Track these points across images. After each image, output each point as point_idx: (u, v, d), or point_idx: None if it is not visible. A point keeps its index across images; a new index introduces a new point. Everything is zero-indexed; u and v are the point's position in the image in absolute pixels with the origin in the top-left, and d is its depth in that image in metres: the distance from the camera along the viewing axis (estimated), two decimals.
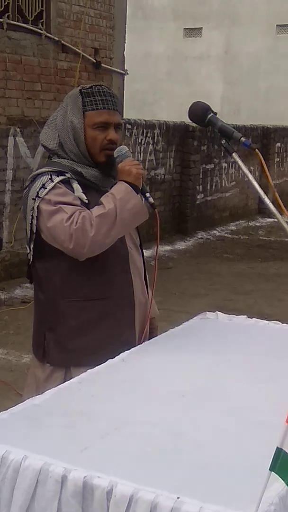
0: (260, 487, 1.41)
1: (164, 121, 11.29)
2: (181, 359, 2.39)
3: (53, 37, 8.69)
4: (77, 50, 9.01)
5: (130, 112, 21.19)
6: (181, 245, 10.78)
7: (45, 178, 2.47)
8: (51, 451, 1.68)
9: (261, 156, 2.34)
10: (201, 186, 12.06)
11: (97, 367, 2.29)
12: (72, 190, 2.48)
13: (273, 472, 1.39)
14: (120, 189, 2.47)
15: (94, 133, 2.52)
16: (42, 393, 2.11)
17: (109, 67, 9.74)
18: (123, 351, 2.41)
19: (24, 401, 2.06)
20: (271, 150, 14.56)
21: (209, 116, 2.38)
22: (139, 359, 2.38)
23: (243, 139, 2.34)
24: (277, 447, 1.36)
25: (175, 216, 11.38)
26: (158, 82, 25.10)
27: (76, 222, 2.39)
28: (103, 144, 2.53)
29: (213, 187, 12.55)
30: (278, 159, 15.08)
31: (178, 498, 1.47)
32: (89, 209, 2.45)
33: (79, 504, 1.56)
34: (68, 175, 2.49)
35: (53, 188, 2.45)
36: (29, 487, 1.61)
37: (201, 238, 11.53)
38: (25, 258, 2.66)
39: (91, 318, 2.54)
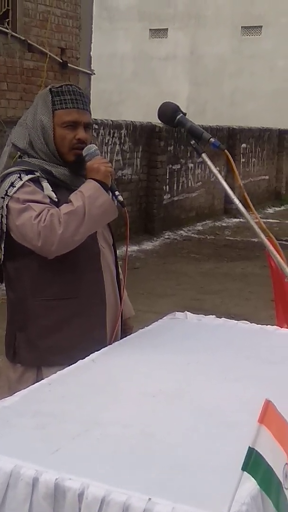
0: (232, 487, 1.42)
1: (131, 121, 11.29)
2: (151, 359, 2.38)
3: (19, 36, 8.64)
4: (44, 49, 8.97)
5: (96, 112, 21.15)
6: (148, 245, 10.80)
7: (14, 177, 2.46)
8: (22, 453, 1.66)
9: (230, 157, 2.36)
10: (167, 187, 12.09)
11: (67, 368, 2.28)
12: (42, 188, 2.47)
13: (245, 472, 1.40)
14: (89, 187, 2.47)
15: (63, 132, 2.52)
16: (13, 394, 2.09)
17: (75, 67, 9.72)
18: (95, 350, 2.40)
19: None
20: (237, 151, 14.65)
21: (178, 117, 2.39)
22: (109, 359, 2.37)
23: (212, 139, 2.35)
24: (249, 447, 1.37)
25: (142, 216, 11.39)
26: (124, 82, 25.11)
27: (44, 220, 2.38)
28: (72, 143, 2.53)
29: (180, 187, 12.59)
30: (243, 160, 15.18)
31: (149, 499, 1.47)
32: (56, 207, 2.44)
33: (50, 506, 1.55)
34: (37, 173, 2.48)
35: (21, 186, 2.44)
36: (0, 490, 1.59)
37: (168, 238, 11.55)
38: None
39: (61, 317, 2.53)
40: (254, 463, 1.36)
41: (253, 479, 1.45)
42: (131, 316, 2.86)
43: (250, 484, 1.52)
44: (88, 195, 2.44)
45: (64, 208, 2.43)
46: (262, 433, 1.35)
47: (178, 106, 2.42)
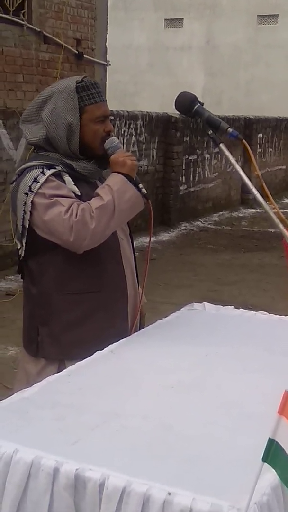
0: (252, 478, 1.41)
1: (147, 112, 11.26)
2: (170, 351, 2.38)
3: (34, 28, 8.62)
4: (59, 41, 8.95)
5: (112, 103, 21.09)
6: (164, 236, 10.78)
7: (36, 171, 2.44)
8: (42, 444, 1.67)
9: (248, 147, 2.34)
10: (184, 177, 12.05)
11: (85, 359, 2.28)
12: (64, 183, 2.47)
13: (265, 463, 1.39)
14: (116, 181, 2.47)
15: (95, 127, 2.51)
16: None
17: (91, 58, 9.69)
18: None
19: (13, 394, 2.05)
20: (253, 141, 14.57)
21: (196, 107, 2.37)
22: (127, 350, 2.37)
23: (230, 129, 2.33)
24: (269, 438, 1.37)
25: (158, 207, 11.36)
26: (140, 73, 25.04)
27: (76, 214, 2.37)
28: (103, 137, 2.53)
29: (196, 178, 12.55)
30: (260, 150, 15.10)
31: (169, 494, 1.46)
32: (82, 201, 2.44)
33: (71, 497, 1.56)
34: (58, 168, 2.47)
35: (45, 181, 2.43)
36: (21, 480, 1.60)
37: (185, 229, 11.53)
38: (8, 251, 2.65)
39: (85, 311, 2.53)
40: (274, 454, 1.36)
41: (273, 470, 1.45)
42: (143, 303, 2.86)
43: (270, 475, 1.52)
44: (116, 189, 2.44)
45: (94, 202, 2.43)
46: (282, 424, 1.34)
47: (195, 96, 2.40)
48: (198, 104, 2.37)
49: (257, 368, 2.25)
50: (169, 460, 1.63)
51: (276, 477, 1.54)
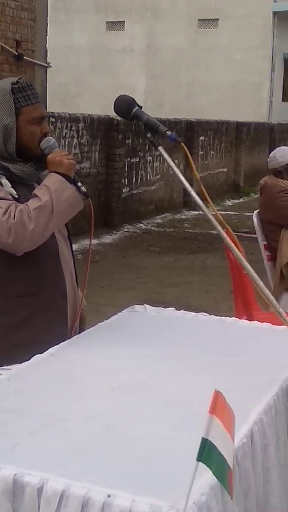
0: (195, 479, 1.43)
1: (89, 114, 11.23)
2: (111, 353, 2.38)
3: None
4: None
5: (54, 105, 20.99)
6: (107, 239, 10.77)
7: None
8: None
9: (187, 150, 2.36)
10: (126, 180, 12.07)
11: (25, 362, 2.27)
12: (1, 185, 2.44)
13: (200, 462, 1.41)
14: (53, 181, 2.45)
15: (32, 128, 2.50)
16: None
17: (31, 59, 9.62)
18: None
19: None
20: (195, 143, 14.69)
21: (134, 110, 2.38)
22: (68, 353, 2.36)
23: (168, 132, 2.35)
24: (202, 437, 1.38)
25: (101, 210, 11.35)
26: (81, 75, 24.99)
27: (14, 216, 2.36)
28: (39, 138, 2.51)
29: (139, 180, 12.58)
30: (202, 153, 15.23)
31: (109, 496, 1.46)
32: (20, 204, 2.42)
33: (9, 502, 1.54)
34: None
35: None
36: None
37: (128, 231, 11.54)
38: None
39: (25, 314, 2.51)
40: (208, 453, 1.37)
41: (208, 469, 1.46)
42: (83, 306, 2.85)
43: (209, 475, 1.53)
44: (54, 189, 2.43)
45: (32, 203, 2.41)
46: (214, 423, 1.36)
47: (134, 99, 2.41)
48: (137, 107, 2.39)
49: (198, 369, 2.27)
50: (110, 462, 1.63)
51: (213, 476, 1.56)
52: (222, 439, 1.33)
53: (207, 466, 1.37)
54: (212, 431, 1.33)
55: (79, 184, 2.56)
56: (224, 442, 1.33)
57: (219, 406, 1.35)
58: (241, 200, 16.49)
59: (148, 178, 12.92)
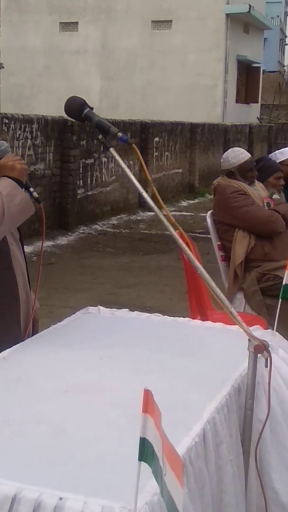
0: (143, 478, 1.43)
1: (43, 115, 11.17)
2: (64, 355, 2.38)
3: None
4: None
5: (7, 106, 20.85)
6: (63, 240, 10.73)
7: None
8: None
9: (138, 151, 2.36)
10: (81, 181, 12.04)
11: None
12: None
13: (143, 462, 1.41)
14: (5, 185, 2.44)
15: None
16: None
17: None
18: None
19: None
20: (150, 144, 14.74)
21: (85, 111, 2.37)
22: (20, 356, 2.35)
23: (119, 134, 2.35)
24: (140, 437, 1.39)
25: (56, 211, 11.31)
26: (36, 76, 24.84)
27: None
28: None
29: (94, 181, 12.56)
30: (157, 154, 15.28)
31: (61, 499, 1.46)
32: None
33: None
34: None
35: None
36: None
37: (83, 233, 11.52)
38: None
39: None
40: (147, 452, 1.38)
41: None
42: (35, 309, 2.84)
43: None
44: (5, 193, 2.41)
45: None
46: (148, 422, 1.37)
47: (84, 101, 2.40)
48: (88, 109, 2.38)
49: (151, 369, 2.27)
50: (62, 465, 1.63)
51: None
52: (155, 439, 1.34)
53: (148, 465, 1.37)
54: (148, 430, 1.33)
55: (31, 189, 2.55)
56: (157, 441, 1.34)
57: (150, 405, 1.36)
58: (196, 200, 16.60)
59: (103, 179, 12.91)
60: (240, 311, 4.43)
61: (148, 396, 1.36)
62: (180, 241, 2.25)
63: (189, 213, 14.06)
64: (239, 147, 5.01)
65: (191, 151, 17.51)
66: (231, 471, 1.89)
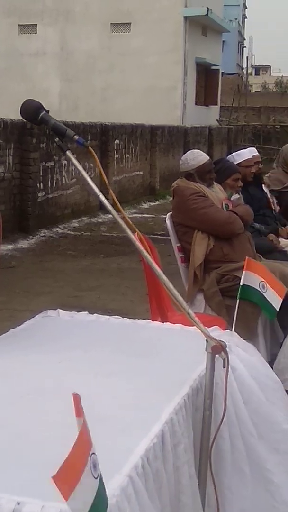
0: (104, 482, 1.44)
1: (1, 118, 11.09)
2: (23, 359, 2.37)
3: None
4: None
5: None
6: (23, 244, 10.66)
7: None
8: None
9: (95, 154, 2.36)
10: (41, 184, 11.98)
11: None
12: None
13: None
14: None
15: None
16: None
17: None
18: None
19: None
20: (110, 147, 14.73)
21: (41, 114, 2.37)
22: None
23: (76, 137, 2.35)
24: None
25: (16, 214, 11.23)
26: None
27: None
28: None
29: (54, 184, 12.51)
30: (117, 156, 15.28)
31: (18, 503, 1.45)
32: None
33: None
34: None
35: None
36: None
37: (44, 236, 11.46)
38: None
39: None
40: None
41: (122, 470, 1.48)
42: None
43: (119, 476, 1.55)
44: None
45: None
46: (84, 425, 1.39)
47: (40, 104, 2.40)
48: (44, 112, 2.38)
49: (110, 371, 2.28)
50: (20, 469, 1.62)
51: (126, 477, 1.57)
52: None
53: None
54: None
55: None
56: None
57: (80, 408, 1.39)
58: (157, 202, 16.63)
59: (64, 182, 12.87)
60: (200, 312, 4.46)
61: (77, 400, 1.38)
62: (138, 243, 2.26)
63: (150, 215, 14.09)
64: (199, 149, 5.05)
65: (152, 153, 17.55)
66: (188, 472, 1.90)
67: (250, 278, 3.06)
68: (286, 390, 2.74)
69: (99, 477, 1.35)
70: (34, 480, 1.57)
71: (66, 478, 1.26)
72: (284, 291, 3.22)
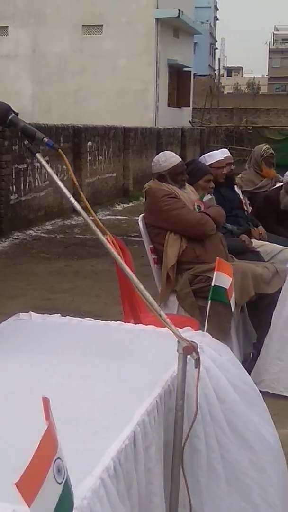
0: (74, 484, 1.43)
1: None
2: None
3: None
4: None
5: None
6: None
7: None
8: None
9: (65, 156, 2.37)
10: (14, 186, 11.93)
11: None
12: None
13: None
14: None
15: None
16: None
17: None
18: None
19: None
20: (83, 149, 14.71)
21: (10, 117, 2.37)
22: None
23: (46, 139, 2.35)
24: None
25: None
26: None
27: None
28: None
29: (27, 187, 12.45)
30: (90, 158, 15.26)
31: None
32: None
33: None
34: None
35: None
36: None
37: (17, 238, 11.40)
38: None
39: None
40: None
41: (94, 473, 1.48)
42: None
43: (91, 478, 1.54)
44: None
45: None
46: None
47: (9, 106, 2.40)
48: (13, 114, 2.38)
49: (83, 374, 2.27)
50: None
51: (97, 479, 1.57)
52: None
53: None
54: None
55: None
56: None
57: (49, 412, 1.39)
58: (131, 204, 16.64)
59: (37, 184, 12.82)
60: (173, 313, 4.47)
61: (46, 403, 1.38)
62: (108, 245, 2.26)
63: (124, 217, 14.10)
64: (172, 150, 5.07)
65: (125, 155, 17.56)
66: (160, 473, 1.91)
67: (221, 278, 3.08)
68: (261, 391, 2.76)
69: (63, 482, 1.34)
70: (6, 484, 1.55)
71: (28, 484, 1.26)
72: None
